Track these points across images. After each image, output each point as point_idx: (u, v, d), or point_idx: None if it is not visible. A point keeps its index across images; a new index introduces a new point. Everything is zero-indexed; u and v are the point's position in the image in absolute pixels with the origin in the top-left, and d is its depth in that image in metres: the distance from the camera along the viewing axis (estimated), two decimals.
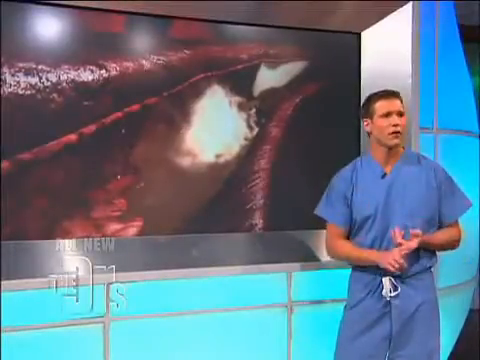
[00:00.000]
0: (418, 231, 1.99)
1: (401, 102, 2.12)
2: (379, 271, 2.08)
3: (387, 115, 2.08)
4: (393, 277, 2.07)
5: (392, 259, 1.97)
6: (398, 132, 2.07)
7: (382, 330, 2.10)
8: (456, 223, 2.16)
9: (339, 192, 2.19)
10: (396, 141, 2.09)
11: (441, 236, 2.13)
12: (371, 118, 2.13)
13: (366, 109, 2.16)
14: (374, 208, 2.10)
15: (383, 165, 2.15)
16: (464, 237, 2.20)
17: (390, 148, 2.11)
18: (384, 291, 2.08)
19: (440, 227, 2.14)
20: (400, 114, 2.09)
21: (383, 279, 2.09)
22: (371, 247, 2.11)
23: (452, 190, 2.15)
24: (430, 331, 2.11)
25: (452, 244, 2.17)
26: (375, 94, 2.16)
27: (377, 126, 2.11)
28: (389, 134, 2.08)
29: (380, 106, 2.10)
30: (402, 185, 2.11)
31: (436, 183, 2.12)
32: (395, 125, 2.07)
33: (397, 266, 1.97)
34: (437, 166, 2.20)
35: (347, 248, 2.17)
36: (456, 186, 2.17)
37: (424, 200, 2.10)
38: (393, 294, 2.07)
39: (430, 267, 2.15)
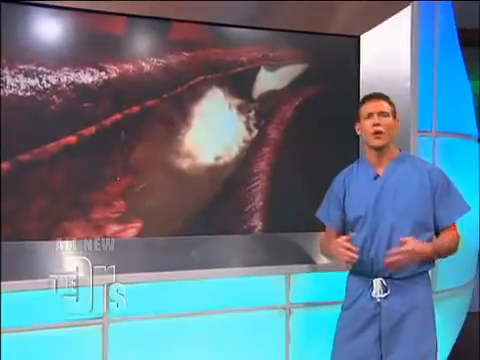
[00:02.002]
0: (407, 238, 1.99)
1: (389, 103, 2.14)
2: (372, 273, 2.10)
3: (369, 116, 2.12)
4: (384, 279, 2.08)
5: (338, 247, 2.03)
6: (379, 132, 2.09)
7: (373, 331, 2.10)
8: (453, 226, 2.14)
9: (333, 194, 2.25)
10: (379, 142, 2.10)
11: (447, 243, 2.10)
12: (359, 121, 2.18)
13: (357, 114, 2.20)
14: (364, 209, 2.12)
15: (376, 167, 2.16)
16: (463, 240, 2.18)
17: (378, 149, 2.13)
18: (374, 292, 2.09)
19: (437, 232, 2.13)
20: (383, 114, 2.11)
21: (374, 281, 2.10)
22: (362, 247, 2.10)
23: (449, 193, 2.12)
24: (423, 335, 2.09)
25: (455, 248, 2.14)
26: (361, 98, 2.23)
27: (362, 128, 2.16)
28: (371, 134, 2.11)
29: (363, 108, 2.15)
30: (394, 186, 2.11)
31: (431, 185, 2.10)
32: (375, 125, 2.09)
33: (346, 254, 2.01)
34: (434, 169, 2.19)
35: (325, 241, 2.31)
36: (454, 189, 2.15)
37: (415, 201, 2.09)
38: (383, 295, 2.08)
39: (425, 271, 2.14)
